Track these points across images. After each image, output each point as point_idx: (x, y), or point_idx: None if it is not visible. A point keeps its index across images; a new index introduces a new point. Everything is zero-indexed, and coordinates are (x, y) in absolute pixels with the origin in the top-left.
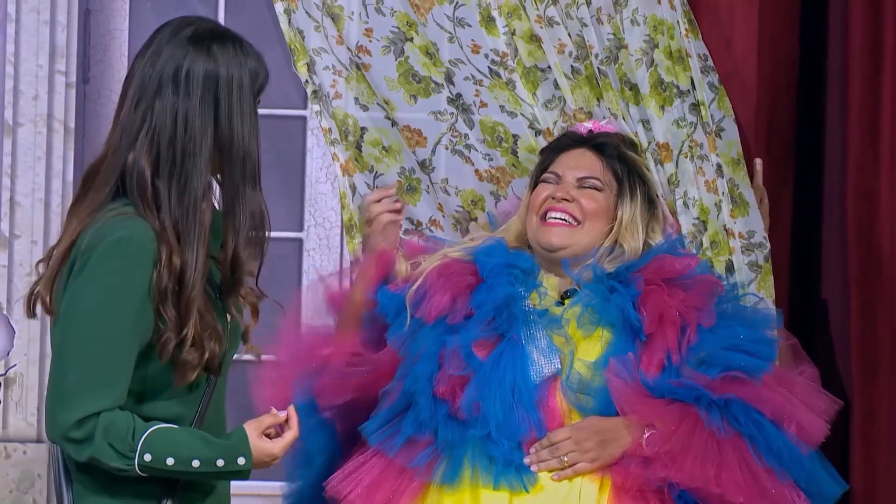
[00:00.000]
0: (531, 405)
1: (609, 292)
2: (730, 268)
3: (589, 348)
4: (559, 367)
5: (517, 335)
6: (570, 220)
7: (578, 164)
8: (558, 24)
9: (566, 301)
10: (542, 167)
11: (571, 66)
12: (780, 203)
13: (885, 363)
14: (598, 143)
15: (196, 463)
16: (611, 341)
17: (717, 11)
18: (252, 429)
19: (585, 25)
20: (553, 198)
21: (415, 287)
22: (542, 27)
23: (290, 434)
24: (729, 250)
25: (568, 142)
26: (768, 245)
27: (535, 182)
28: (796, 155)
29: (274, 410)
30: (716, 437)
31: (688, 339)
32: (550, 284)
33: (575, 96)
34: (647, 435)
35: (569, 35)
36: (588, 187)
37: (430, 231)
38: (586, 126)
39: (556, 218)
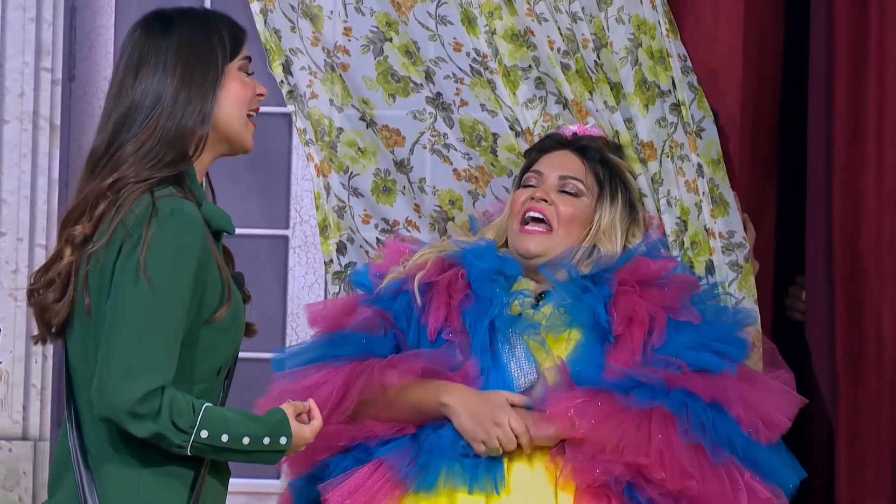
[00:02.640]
0: None
1: (582, 292)
2: (710, 268)
3: (557, 349)
4: (535, 378)
5: (496, 348)
6: (545, 227)
7: (560, 164)
8: (546, 20)
9: (541, 302)
10: (526, 167)
11: (560, 61)
12: (765, 201)
13: (871, 359)
14: (581, 146)
15: (246, 440)
16: (579, 341)
17: (702, 9)
18: (290, 411)
19: (580, 19)
20: (532, 198)
21: (419, 283)
22: (532, 20)
23: (317, 421)
24: (709, 250)
25: (552, 143)
26: (748, 245)
27: (518, 184)
28: (781, 152)
29: (290, 401)
30: (646, 415)
31: (653, 340)
32: (528, 288)
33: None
34: (572, 411)
35: (558, 30)
36: (568, 190)
37: (407, 231)
38: (571, 129)
39: (533, 218)
